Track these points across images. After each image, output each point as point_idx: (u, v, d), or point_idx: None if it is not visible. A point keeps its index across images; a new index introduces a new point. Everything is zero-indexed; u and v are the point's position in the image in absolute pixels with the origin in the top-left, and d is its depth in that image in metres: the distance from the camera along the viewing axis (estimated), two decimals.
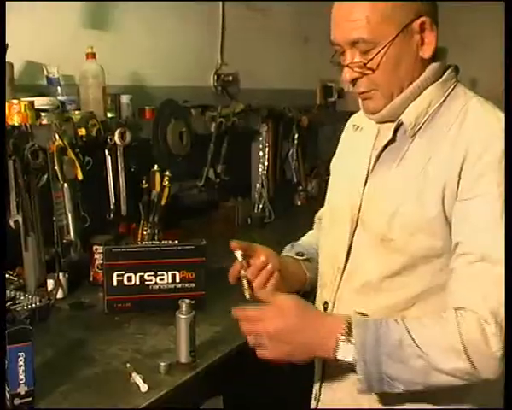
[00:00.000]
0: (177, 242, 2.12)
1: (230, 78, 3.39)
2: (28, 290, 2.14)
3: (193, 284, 2.08)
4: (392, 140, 1.36)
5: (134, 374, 1.61)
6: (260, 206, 3.44)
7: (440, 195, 1.27)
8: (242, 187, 3.44)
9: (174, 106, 2.85)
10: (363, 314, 1.33)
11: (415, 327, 1.22)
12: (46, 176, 2.20)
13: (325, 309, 1.46)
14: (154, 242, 2.26)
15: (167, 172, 2.56)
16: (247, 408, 2.04)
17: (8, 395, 1.48)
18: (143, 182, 2.53)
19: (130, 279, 2.05)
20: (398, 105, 1.35)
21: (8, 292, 2.03)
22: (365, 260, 1.38)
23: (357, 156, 1.45)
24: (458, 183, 1.26)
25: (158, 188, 2.55)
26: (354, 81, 1.34)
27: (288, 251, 1.66)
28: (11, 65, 2.20)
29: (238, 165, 3.34)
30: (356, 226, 1.39)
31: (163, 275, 2.07)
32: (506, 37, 1.17)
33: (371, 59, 1.30)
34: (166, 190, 2.55)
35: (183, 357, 1.70)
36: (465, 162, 1.25)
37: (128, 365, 1.67)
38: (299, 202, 3.86)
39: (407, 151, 1.34)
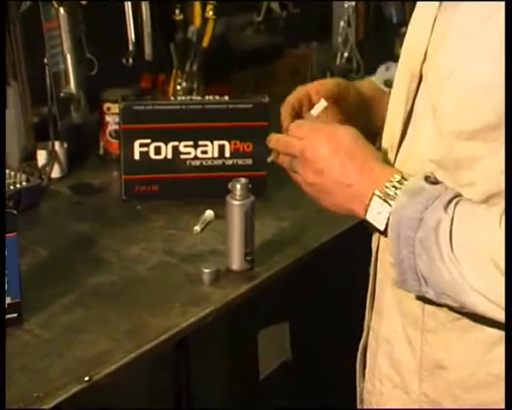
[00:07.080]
0: (227, 98, 2.08)
1: None
2: (9, 165, 2.10)
3: (250, 161, 2.07)
4: None
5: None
6: (345, 54, 3.33)
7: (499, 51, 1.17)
8: (319, 26, 3.34)
9: None
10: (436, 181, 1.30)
11: (463, 217, 1.19)
12: None
13: None
14: (193, 98, 2.23)
15: None
16: (321, 340, 2.05)
17: None
18: (177, 12, 2.50)
19: (158, 151, 2.04)
20: None
21: None
22: (421, 137, 1.32)
23: None
24: None
25: (198, 22, 2.51)
26: None
27: (377, 76, 1.65)
28: None
29: None
30: (418, 85, 1.32)
31: (206, 146, 2.05)
32: (506, 37, 1.14)
33: None
34: (210, 25, 2.51)
35: (236, 262, 1.71)
36: None
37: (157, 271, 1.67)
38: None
39: None
